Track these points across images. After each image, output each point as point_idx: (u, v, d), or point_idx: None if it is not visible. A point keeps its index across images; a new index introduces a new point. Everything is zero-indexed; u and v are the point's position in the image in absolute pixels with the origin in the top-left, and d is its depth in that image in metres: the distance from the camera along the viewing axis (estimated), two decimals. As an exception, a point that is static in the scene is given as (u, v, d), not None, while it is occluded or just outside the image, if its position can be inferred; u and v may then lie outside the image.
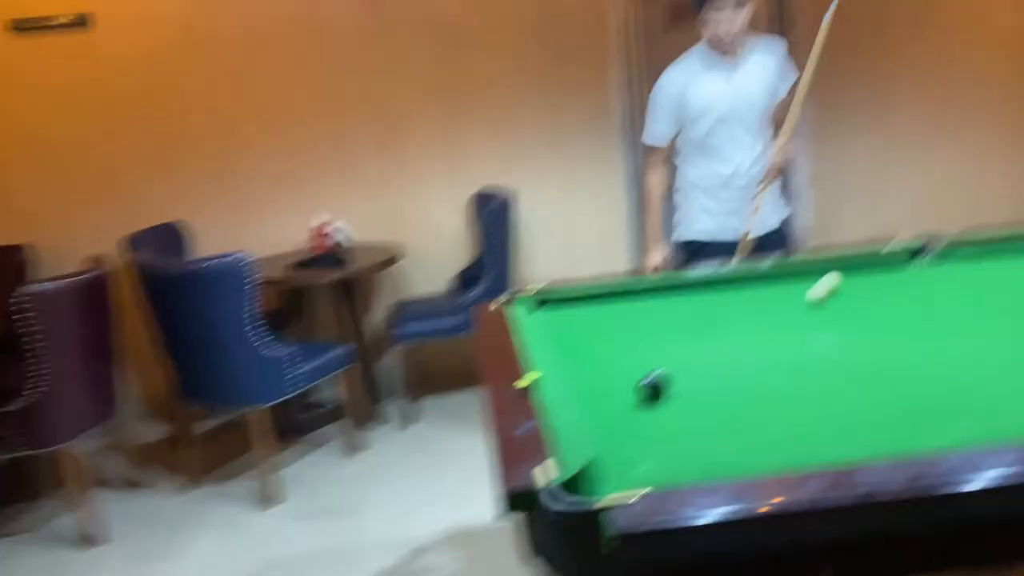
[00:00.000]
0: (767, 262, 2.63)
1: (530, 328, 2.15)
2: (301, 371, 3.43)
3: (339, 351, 3.69)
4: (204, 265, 3.16)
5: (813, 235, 4.53)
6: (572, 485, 1.28)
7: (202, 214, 4.32)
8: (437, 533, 3.02)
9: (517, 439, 1.46)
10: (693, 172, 3.07)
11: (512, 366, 1.86)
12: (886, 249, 2.51)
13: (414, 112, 4.34)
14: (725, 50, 2.89)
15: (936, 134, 4.51)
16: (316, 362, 3.53)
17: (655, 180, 3.14)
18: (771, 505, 1.16)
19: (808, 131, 4.39)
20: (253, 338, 3.25)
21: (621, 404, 1.67)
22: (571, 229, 4.54)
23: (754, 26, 2.98)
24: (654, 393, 1.66)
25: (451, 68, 4.31)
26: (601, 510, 1.17)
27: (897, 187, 4.56)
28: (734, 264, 2.89)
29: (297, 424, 4.02)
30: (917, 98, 4.43)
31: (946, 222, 3.64)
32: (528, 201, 4.37)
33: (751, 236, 2.94)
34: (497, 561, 2.80)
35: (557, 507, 1.19)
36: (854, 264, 2.44)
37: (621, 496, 1.19)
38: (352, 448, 3.77)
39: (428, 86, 4.32)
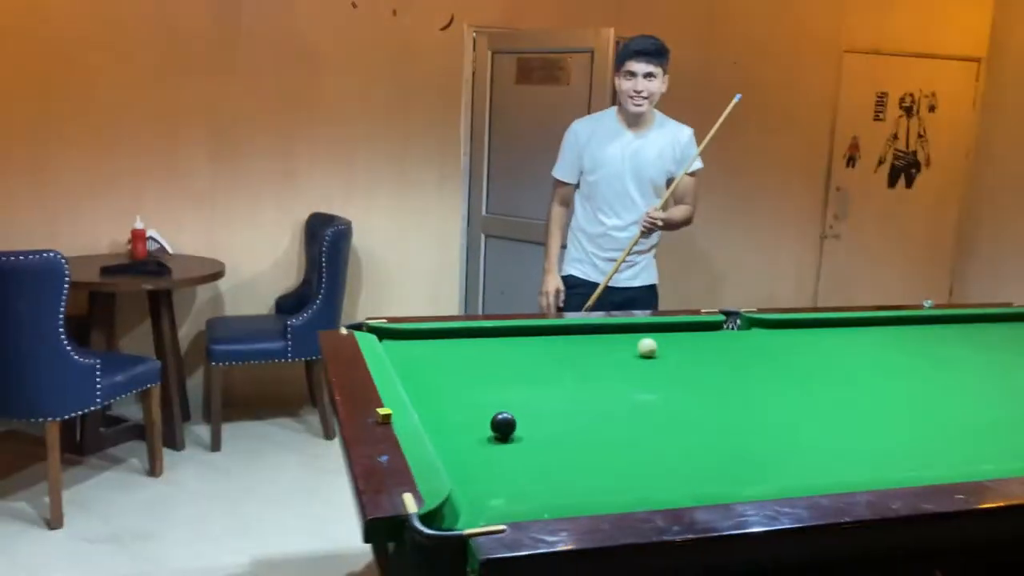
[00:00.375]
0: (600, 316, 2.84)
1: (377, 360, 2.19)
2: (108, 383, 3.22)
3: (149, 365, 3.49)
4: (16, 258, 2.90)
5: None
6: (431, 517, 1.35)
7: (4, 204, 3.95)
8: (238, 565, 2.92)
9: (378, 469, 1.50)
10: (582, 216, 3.29)
11: (367, 395, 1.90)
12: (698, 318, 2.80)
13: (254, 128, 4.25)
14: (634, 112, 3.11)
15: (735, 222, 5.03)
16: (124, 375, 3.33)
17: (556, 212, 3.36)
18: (617, 541, 1.29)
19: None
20: (62, 343, 3.02)
21: (470, 441, 1.76)
22: (404, 265, 4.60)
23: (665, 111, 3.25)
24: (503, 433, 1.76)
25: (298, 89, 4.27)
26: (468, 538, 1.24)
27: (701, 264, 5.03)
28: (582, 311, 3.11)
29: (97, 439, 3.74)
30: (727, 186, 4.92)
31: (742, 300, 4.08)
32: (361, 232, 4.38)
33: (606, 285, 3.17)
34: (307, 593, 2.76)
35: (428, 533, 1.25)
36: (673, 328, 2.70)
37: (488, 527, 1.27)
38: (153, 470, 3.56)
39: (272, 103, 4.25)
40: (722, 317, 2.80)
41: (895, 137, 5.23)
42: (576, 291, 3.29)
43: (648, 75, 3.05)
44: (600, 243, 3.25)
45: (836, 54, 5.01)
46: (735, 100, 3.04)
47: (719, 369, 2.42)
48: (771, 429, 1.92)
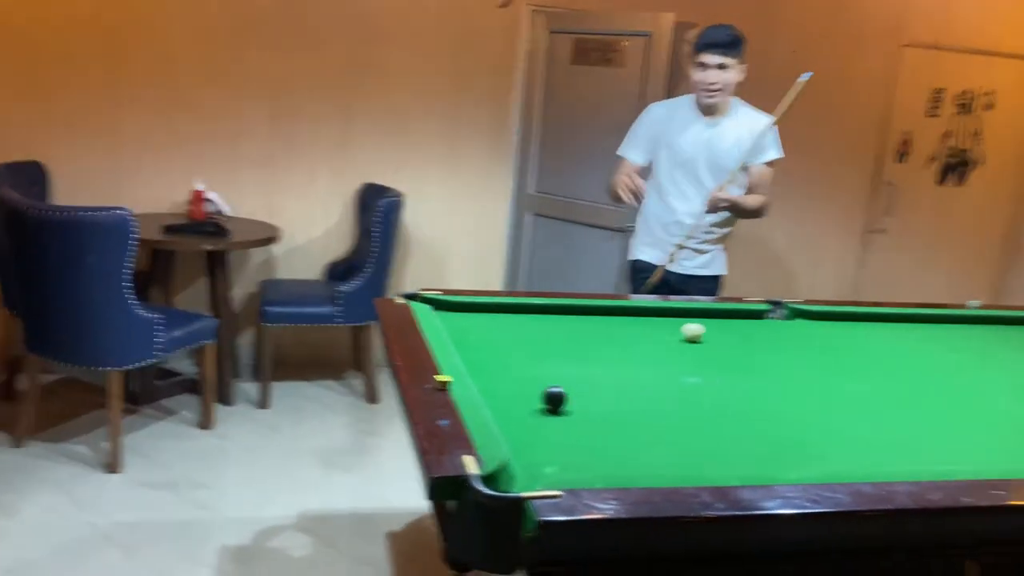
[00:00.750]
0: (647, 298, 2.90)
1: (434, 329, 2.28)
2: (168, 337, 3.36)
3: (206, 322, 3.63)
4: (88, 214, 3.04)
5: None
6: (489, 479, 1.43)
7: (68, 157, 4.09)
8: (286, 517, 3.06)
9: (440, 432, 1.59)
10: (652, 203, 3.29)
11: (424, 362, 1.99)
12: (744, 306, 2.85)
13: (313, 98, 4.34)
14: (707, 103, 3.11)
15: (782, 210, 5.02)
16: (183, 330, 3.47)
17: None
18: (666, 512, 1.36)
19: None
20: (127, 298, 3.16)
21: (523, 412, 1.85)
22: (449, 241, 4.68)
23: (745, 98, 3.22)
24: (554, 406, 1.85)
25: (357, 61, 4.35)
26: (526, 500, 1.33)
27: (744, 252, 5.04)
28: (641, 291, 3.15)
29: (151, 391, 3.90)
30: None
31: (787, 290, 4.11)
32: (411, 205, 4.47)
33: (668, 268, 3.20)
34: (344, 549, 2.89)
35: (488, 494, 1.34)
36: (719, 314, 2.76)
37: (545, 491, 1.36)
38: (205, 423, 3.71)
39: (331, 74, 4.34)
40: (767, 306, 2.84)
41: (949, 134, 5.17)
42: (644, 275, 3.30)
43: (720, 66, 3.04)
44: (671, 229, 3.25)
45: (895, 48, 4.96)
46: (805, 78, 2.97)
47: (763, 356, 2.47)
48: (813, 417, 1.97)
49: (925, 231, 5.28)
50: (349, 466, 3.49)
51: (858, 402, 2.10)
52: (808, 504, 1.43)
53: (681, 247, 3.16)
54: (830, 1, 4.81)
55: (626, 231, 4.29)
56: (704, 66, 3.05)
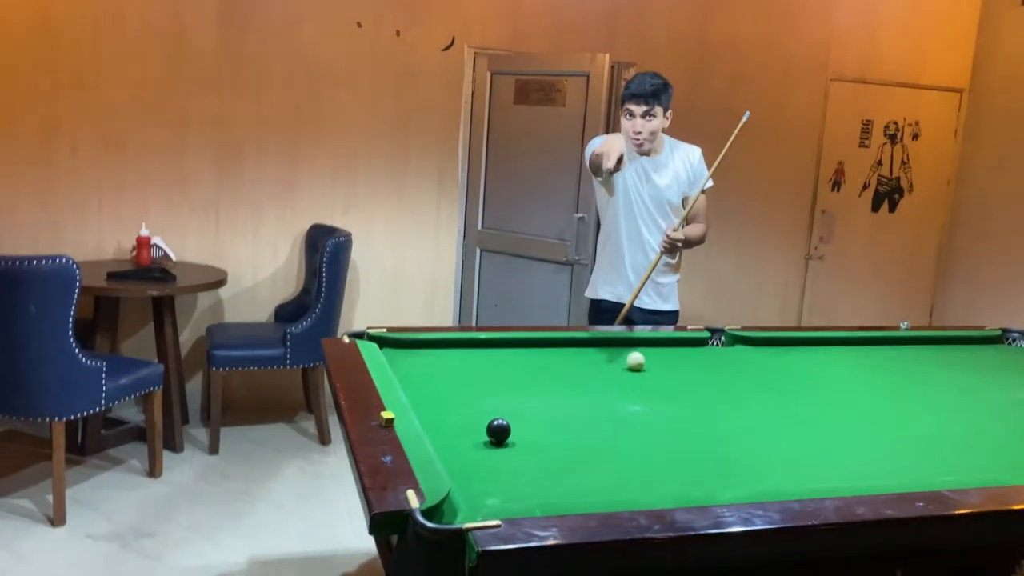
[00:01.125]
0: (591, 329, 2.97)
1: (379, 367, 2.31)
2: (114, 385, 3.32)
3: (153, 369, 3.60)
4: (31, 263, 3.01)
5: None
6: (432, 513, 1.46)
7: (6, 207, 4.05)
8: (236, 564, 3.02)
9: (383, 468, 1.62)
10: (607, 240, 3.35)
11: (369, 401, 2.01)
12: (685, 334, 2.93)
13: (259, 140, 4.37)
14: (637, 151, 3.19)
15: (723, 242, 5.18)
16: (129, 378, 3.43)
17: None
18: (603, 537, 1.41)
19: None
20: (71, 346, 3.12)
21: (468, 445, 1.88)
22: (400, 279, 4.72)
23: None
24: (498, 438, 1.88)
25: (302, 102, 4.40)
26: (467, 531, 1.36)
27: (689, 282, 5.15)
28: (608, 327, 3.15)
29: (97, 440, 3.83)
30: (716, 207, 5.05)
31: (731, 317, 4.21)
32: (360, 244, 4.50)
33: (628, 306, 3.18)
34: (303, 591, 2.86)
35: (430, 527, 1.37)
36: (661, 343, 2.83)
37: (485, 522, 1.39)
38: (152, 471, 3.65)
39: (276, 115, 4.37)
40: (708, 333, 2.93)
41: (879, 163, 5.40)
42: (607, 313, 3.32)
43: (646, 114, 3.11)
44: (626, 266, 3.28)
45: (823, 82, 5.17)
46: (744, 118, 3.06)
47: (703, 382, 2.54)
48: (749, 439, 2.04)
49: (861, 257, 5.47)
50: (301, 509, 3.47)
51: (791, 423, 2.18)
52: (740, 523, 1.49)
53: (644, 283, 3.17)
54: (759, 39, 5.01)
55: (574, 264, 4.39)
56: (631, 114, 3.14)
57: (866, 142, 5.34)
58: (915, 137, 5.43)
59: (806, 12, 5.06)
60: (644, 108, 3.11)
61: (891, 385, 2.59)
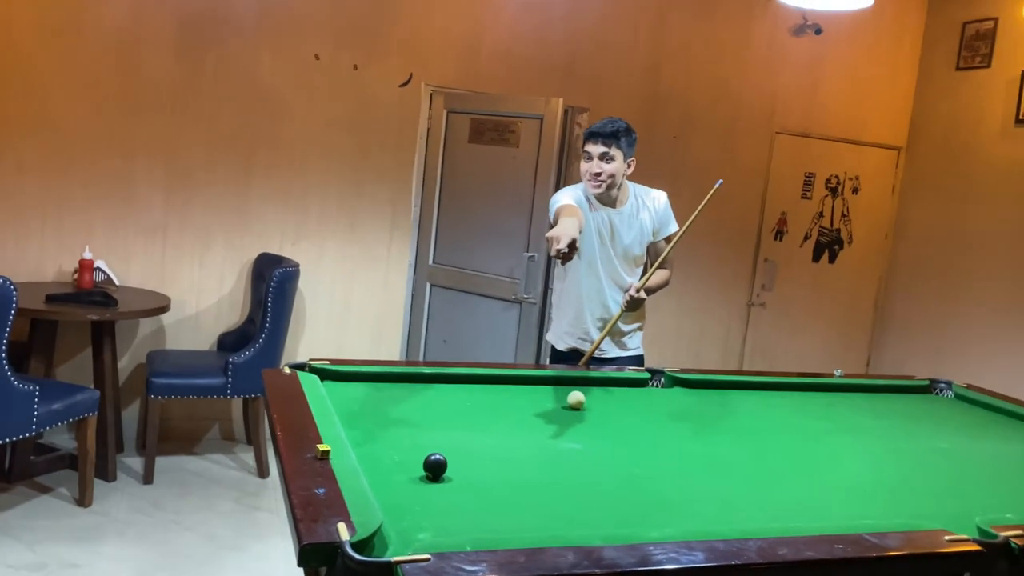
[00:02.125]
0: (533, 369, 2.99)
1: (318, 399, 2.30)
2: (46, 410, 3.24)
3: (88, 395, 3.52)
4: (-38, 284, 2.95)
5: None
6: (362, 546, 1.47)
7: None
8: (167, 596, 2.95)
9: (315, 500, 1.62)
10: (563, 290, 3.26)
11: (306, 433, 2.01)
12: (625, 375, 2.98)
13: (210, 167, 4.35)
14: (594, 194, 3.10)
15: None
16: (63, 403, 3.36)
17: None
18: (531, 572, 1.42)
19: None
20: (3, 369, 3.05)
21: (404, 480, 1.88)
22: (348, 311, 4.70)
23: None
24: (435, 473, 1.89)
25: (257, 132, 4.40)
26: (395, 564, 1.37)
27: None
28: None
29: (26, 467, 3.72)
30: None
31: (675, 359, 4.29)
32: (308, 275, 4.49)
33: (588, 356, 3.12)
34: (232, 627, 2.80)
35: (358, 559, 1.37)
36: (602, 383, 2.87)
37: (414, 555, 1.40)
38: (82, 500, 3.55)
39: (230, 144, 4.37)
40: (648, 375, 2.98)
41: (820, 215, 5.58)
42: (569, 361, 3.24)
43: (604, 155, 3.03)
44: (586, 319, 3.22)
45: (768, 134, 5.36)
46: (717, 185, 3.08)
47: (640, 423, 2.58)
48: (681, 479, 2.08)
49: (802, 305, 5.62)
50: (235, 542, 3.40)
51: (723, 465, 2.22)
52: (667, 561, 1.52)
53: (603, 337, 3.13)
54: (708, 91, 5.17)
55: (522, 302, 4.43)
56: (589, 156, 3.07)
57: (808, 194, 5.52)
58: (855, 191, 5.63)
59: (754, 66, 5.25)
60: (602, 149, 3.03)
61: (821, 431, 2.67)
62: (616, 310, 3.16)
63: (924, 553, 1.69)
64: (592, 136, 3.06)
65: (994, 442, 2.67)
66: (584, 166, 3.09)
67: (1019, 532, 1.78)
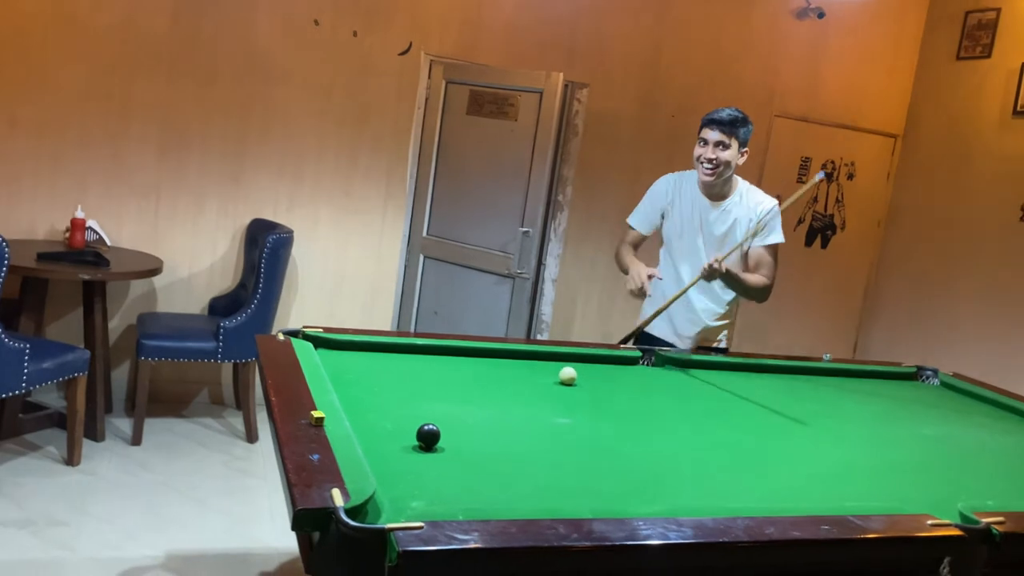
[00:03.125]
0: (525, 343, 3.01)
1: (312, 367, 2.31)
2: (36, 369, 3.23)
3: (78, 354, 3.52)
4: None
5: (553, 326, 5.08)
6: (356, 512, 1.48)
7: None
8: (151, 558, 2.97)
9: (309, 465, 1.63)
10: (663, 271, 3.21)
11: (300, 399, 2.01)
12: (617, 352, 3.00)
13: (205, 130, 4.31)
14: (704, 181, 3.06)
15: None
16: (53, 362, 3.35)
17: (625, 248, 3.25)
18: (522, 542, 1.44)
19: (561, 238, 4.96)
20: (-7, 326, 3.04)
21: (397, 449, 1.90)
22: (340, 280, 4.70)
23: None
24: (428, 443, 1.91)
25: (254, 96, 4.36)
26: (389, 531, 1.38)
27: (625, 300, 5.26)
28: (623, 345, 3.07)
29: (15, 424, 3.72)
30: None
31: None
32: (302, 242, 4.48)
33: (639, 328, 3.14)
34: (219, 588, 2.83)
35: (352, 525, 1.39)
36: (594, 359, 2.90)
37: (407, 523, 1.41)
38: (71, 459, 3.56)
39: (225, 106, 4.33)
40: (639, 353, 3.00)
41: (815, 200, 5.59)
42: (648, 342, 3.21)
43: (719, 144, 3.01)
44: (667, 296, 3.15)
45: (767, 117, 5.35)
46: (819, 177, 3.07)
47: (630, 400, 2.61)
48: (670, 457, 2.11)
49: (793, 289, 5.64)
50: (222, 505, 3.42)
51: (711, 445, 2.25)
52: (655, 536, 1.54)
53: (671, 302, 3.06)
54: (708, 70, 5.15)
55: (515, 277, 4.44)
56: (704, 142, 3.04)
57: (804, 178, 5.53)
58: (850, 177, 5.64)
59: (756, 47, 5.23)
60: (718, 137, 3.00)
61: (809, 414, 2.69)
62: (697, 307, 3.17)
63: (907, 536, 1.73)
64: (711, 123, 3.04)
65: (978, 430, 2.71)
66: (698, 151, 3.07)
67: (1000, 519, 1.82)
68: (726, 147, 3.02)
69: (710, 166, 3.04)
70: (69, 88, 4.07)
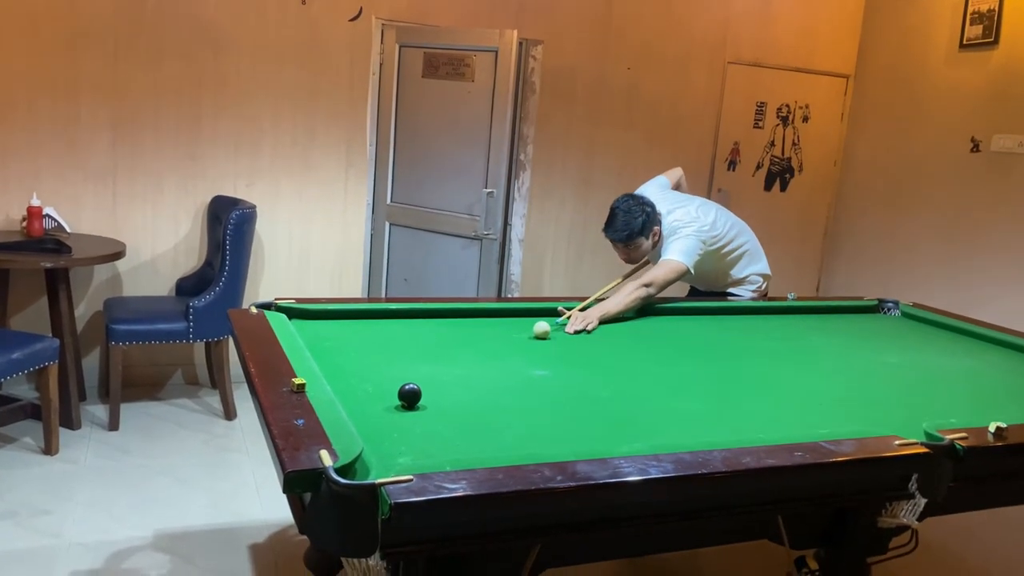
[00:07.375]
0: (496, 301, 3.04)
1: (288, 337, 2.32)
2: (5, 360, 3.20)
3: (47, 343, 3.48)
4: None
5: (523, 285, 5.12)
6: (345, 471, 1.51)
7: None
8: (139, 539, 2.98)
9: (295, 430, 1.65)
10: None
11: (280, 368, 2.03)
12: (588, 304, 3.04)
13: (158, 108, 4.24)
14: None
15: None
16: (21, 352, 3.31)
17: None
18: (509, 487, 1.49)
19: (526, 197, 4.97)
20: (-43, 319, 2.99)
21: (379, 409, 1.93)
22: (306, 251, 4.67)
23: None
24: (409, 402, 1.94)
25: (204, 71, 4.29)
26: (380, 486, 1.42)
27: (592, 254, 5.31)
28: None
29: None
30: (617, 185, 5.21)
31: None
32: (265, 217, 4.44)
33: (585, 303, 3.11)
34: (203, 565, 2.85)
35: (343, 483, 1.42)
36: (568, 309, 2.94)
37: (397, 476, 1.45)
38: (48, 448, 3.54)
39: (177, 85, 4.25)
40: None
41: (772, 144, 5.66)
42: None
43: (627, 247, 3.19)
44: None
45: (721, 64, 5.38)
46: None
47: (603, 349, 2.65)
48: (646, 400, 2.16)
49: (756, 233, 5.71)
50: (206, 483, 3.44)
51: (686, 385, 2.31)
52: (637, 472, 1.60)
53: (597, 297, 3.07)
54: (661, 22, 5.16)
55: (483, 239, 4.46)
56: (614, 247, 3.25)
57: (760, 124, 5.59)
58: (805, 120, 5.71)
59: (706, -4, 5.24)
60: (623, 248, 3.20)
61: (777, 350, 2.77)
62: (739, 294, 3.46)
63: (876, 457, 1.80)
64: (611, 240, 3.21)
65: (939, 356, 2.81)
66: (616, 252, 3.29)
67: (963, 435, 1.90)
68: (636, 247, 3.19)
69: (633, 265, 3.34)
70: (10, 71, 3.96)
